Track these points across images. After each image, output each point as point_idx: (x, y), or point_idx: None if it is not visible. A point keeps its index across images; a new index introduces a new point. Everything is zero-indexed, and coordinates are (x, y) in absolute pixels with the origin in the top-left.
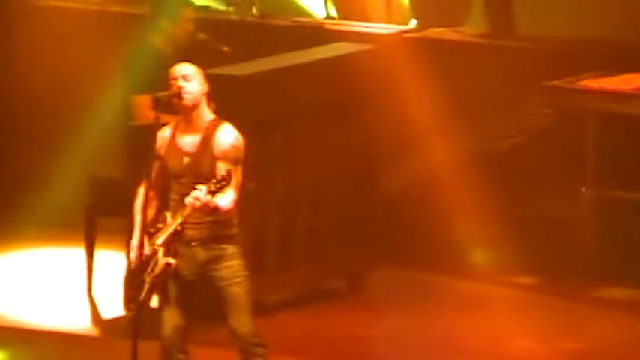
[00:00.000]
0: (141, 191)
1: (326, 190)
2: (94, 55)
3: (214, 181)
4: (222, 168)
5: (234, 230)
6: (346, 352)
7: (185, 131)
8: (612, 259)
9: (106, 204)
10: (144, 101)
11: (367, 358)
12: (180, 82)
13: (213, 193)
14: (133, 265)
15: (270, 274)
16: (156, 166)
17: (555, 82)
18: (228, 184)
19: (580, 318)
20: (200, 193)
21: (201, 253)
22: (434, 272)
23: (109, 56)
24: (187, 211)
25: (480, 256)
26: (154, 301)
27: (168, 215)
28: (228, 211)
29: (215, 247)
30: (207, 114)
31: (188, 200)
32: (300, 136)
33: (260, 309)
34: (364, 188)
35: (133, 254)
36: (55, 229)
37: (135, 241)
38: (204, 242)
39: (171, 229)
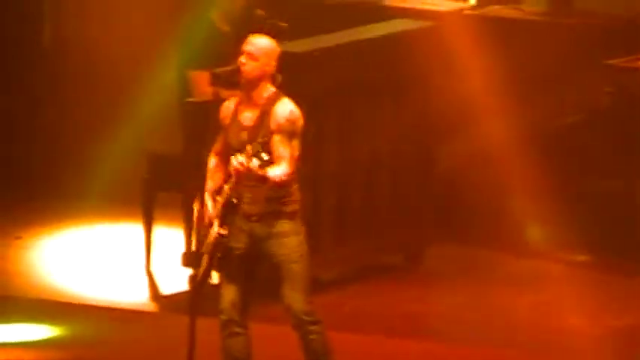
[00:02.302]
0: (210, 163)
1: (381, 167)
2: (151, 30)
3: (253, 144)
4: (276, 141)
5: (294, 206)
6: (401, 329)
7: (246, 106)
8: None
9: (164, 179)
10: (202, 77)
11: (422, 334)
12: (244, 58)
13: (253, 157)
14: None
15: (326, 250)
16: (221, 137)
17: (614, 61)
18: (267, 149)
19: (634, 295)
20: (241, 158)
21: (258, 229)
22: (489, 249)
23: (166, 31)
24: (233, 180)
25: (535, 233)
26: (215, 277)
27: (225, 187)
28: (284, 185)
29: (272, 222)
30: (267, 89)
31: (232, 166)
32: (356, 113)
33: (316, 285)
34: (420, 165)
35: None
36: (113, 205)
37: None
38: (262, 218)
39: (222, 200)
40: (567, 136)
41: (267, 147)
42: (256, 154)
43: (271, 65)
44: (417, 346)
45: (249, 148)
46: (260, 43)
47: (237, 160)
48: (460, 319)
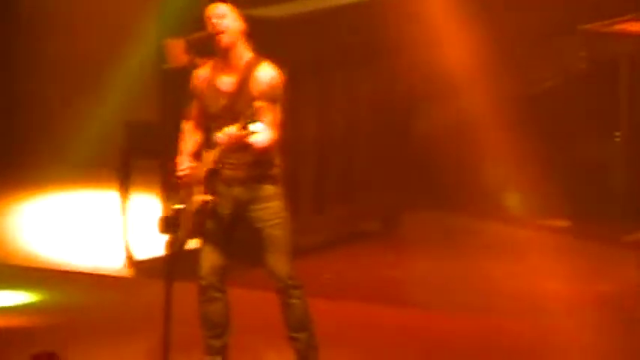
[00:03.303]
0: (184, 129)
1: (360, 133)
2: None
3: (245, 115)
4: (259, 107)
5: (276, 170)
6: (379, 295)
7: (223, 71)
8: None
9: (140, 146)
10: (177, 44)
11: (400, 300)
12: (215, 21)
13: (245, 128)
14: (180, 179)
15: (305, 216)
16: (194, 105)
17: (591, 26)
18: (254, 119)
19: (611, 261)
20: (231, 129)
21: (241, 194)
22: (467, 215)
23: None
24: (220, 147)
25: (512, 199)
26: (192, 242)
27: (205, 153)
28: (266, 150)
29: (255, 187)
30: (245, 53)
31: (218, 136)
32: (335, 78)
33: (294, 251)
34: (398, 131)
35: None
36: (90, 172)
37: (179, 160)
38: (244, 182)
39: (206, 167)
40: (544, 102)
41: (256, 116)
42: (246, 126)
43: (242, 24)
44: (394, 312)
45: (240, 122)
46: (222, 6)
47: (227, 132)
48: (437, 285)
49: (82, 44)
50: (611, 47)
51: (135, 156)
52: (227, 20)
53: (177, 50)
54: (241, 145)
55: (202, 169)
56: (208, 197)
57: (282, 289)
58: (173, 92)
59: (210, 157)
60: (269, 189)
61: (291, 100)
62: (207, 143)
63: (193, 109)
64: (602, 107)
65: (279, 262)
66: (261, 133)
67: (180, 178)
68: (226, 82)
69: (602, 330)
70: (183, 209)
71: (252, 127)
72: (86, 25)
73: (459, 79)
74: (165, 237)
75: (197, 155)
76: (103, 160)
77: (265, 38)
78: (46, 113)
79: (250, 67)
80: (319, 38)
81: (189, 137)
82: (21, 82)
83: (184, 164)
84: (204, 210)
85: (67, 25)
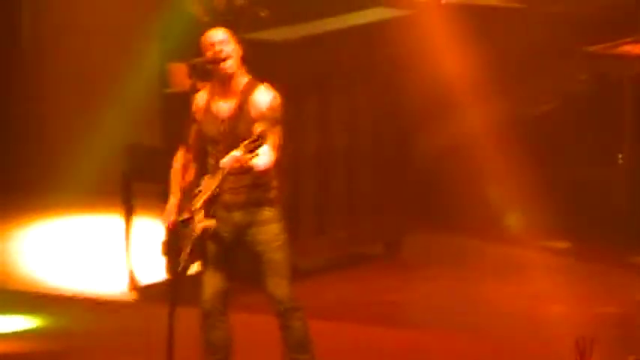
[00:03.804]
0: (178, 156)
1: (361, 155)
2: (131, 21)
3: (249, 140)
4: (258, 128)
5: (274, 193)
6: (380, 317)
7: (221, 96)
8: None
9: (143, 170)
10: (180, 68)
11: (401, 322)
12: (218, 47)
13: (250, 152)
14: (169, 227)
15: (306, 238)
16: (192, 130)
17: (595, 48)
18: (262, 143)
19: (614, 283)
20: (236, 154)
21: (239, 217)
22: (469, 236)
23: (147, 23)
24: (224, 173)
25: (514, 220)
26: (194, 267)
27: (206, 179)
28: (266, 173)
29: (254, 210)
30: (242, 77)
31: (223, 162)
32: (335, 101)
33: (295, 274)
34: (399, 153)
35: (169, 216)
36: (92, 196)
37: (171, 204)
38: (242, 206)
39: (208, 193)
40: (546, 123)
41: (261, 141)
42: (252, 150)
43: (240, 49)
44: (395, 334)
45: (245, 143)
46: (222, 32)
47: (231, 157)
48: (439, 308)
49: (84, 68)
50: (613, 69)
51: (137, 180)
52: (229, 46)
53: (180, 74)
54: (244, 169)
55: (204, 194)
56: (209, 222)
57: (282, 311)
58: (175, 116)
59: (212, 182)
60: (268, 212)
61: (292, 122)
62: (207, 168)
63: (191, 135)
64: (605, 129)
65: (279, 285)
66: (263, 156)
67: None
68: (225, 106)
69: (605, 352)
70: (185, 234)
71: (259, 150)
72: (88, 48)
73: (460, 100)
74: (167, 261)
75: (194, 184)
76: (105, 185)
77: (266, 61)
78: (48, 137)
79: (248, 91)
80: (321, 60)
81: (188, 165)
82: (23, 106)
83: (171, 215)
84: (206, 235)
85: (69, 48)
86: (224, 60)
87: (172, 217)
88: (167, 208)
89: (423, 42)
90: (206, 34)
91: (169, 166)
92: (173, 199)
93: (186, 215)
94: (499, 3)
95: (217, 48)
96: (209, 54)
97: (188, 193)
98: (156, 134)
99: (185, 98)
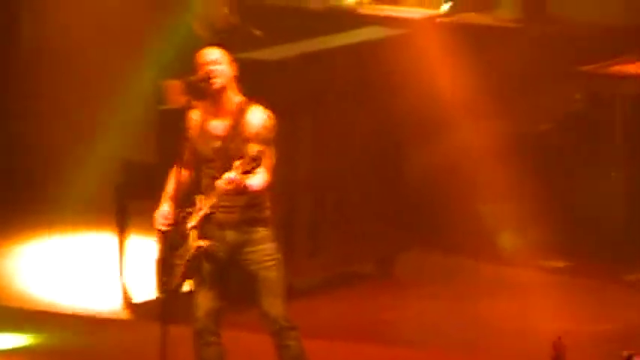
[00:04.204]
0: (172, 174)
1: (355, 174)
2: (128, 35)
3: (246, 160)
4: (254, 149)
5: (267, 213)
6: (374, 335)
7: (214, 115)
8: None
9: (137, 187)
10: (175, 85)
11: (395, 341)
12: (210, 67)
13: (245, 173)
14: (160, 233)
15: (300, 258)
16: (186, 148)
17: (588, 67)
18: (259, 164)
19: (610, 301)
20: (232, 174)
21: (233, 236)
22: (463, 255)
23: (144, 37)
24: (218, 193)
25: (509, 239)
26: (187, 286)
27: (200, 198)
28: (260, 193)
29: (248, 230)
30: (235, 97)
31: (219, 183)
32: (329, 120)
33: (289, 293)
34: (393, 172)
35: (162, 220)
36: (86, 213)
37: (163, 209)
38: (236, 225)
39: (202, 213)
40: (540, 142)
41: (257, 162)
42: (248, 171)
43: (233, 69)
44: (389, 352)
45: (237, 163)
46: (215, 50)
47: (227, 178)
48: (432, 326)
49: (81, 83)
50: (606, 88)
51: (132, 197)
52: (220, 65)
53: (175, 91)
54: (239, 190)
55: (197, 213)
56: (203, 242)
57: (276, 331)
58: (170, 133)
59: (207, 202)
60: (261, 231)
61: (286, 141)
62: (201, 187)
63: (185, 153)
64: (599, 147)
65: (273, 305)
66: (257, 177)
67: (160, 230)
68: (218, 125)
69: None
70: (178, 253)
71: (257, 171)
72: (85, 65)
73: (454, 119)
74: (161, 280)
75: (187, 203)
76: (100, 202)
77: (260, 80)
78: (42, 153)
79: (241, 111)
80: (316, 79)
81: (181, 184)
82: (18, 124)
83: (166, 216)
84: (199, 254)
85: (65, 65)
86: (213, 78)
87: (166, 221)
88: (159, 213)
89: (418, 61)
90: (199, 52)
91: (164, 182)
92: (165, 206)
93: (178, 234)
94: (493, 22)
95: (209, 67)
96: (201, 72)
97: (181, 213)
98: (150, 150)
99: (180, 115)
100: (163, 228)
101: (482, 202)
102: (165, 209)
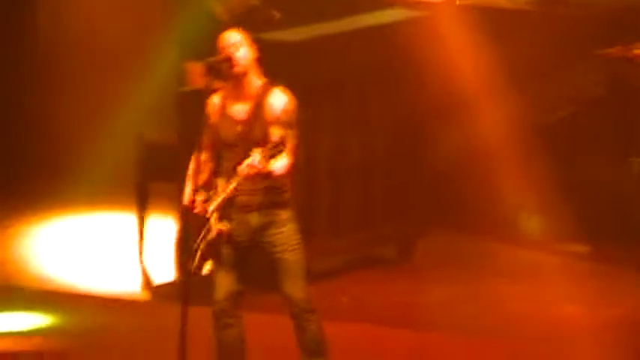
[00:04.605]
0: (194, 158)
1: (376, 157)
2: (148, 19)
3: (269, 146)
4: (275, 133)
5: (288, 195)
6: (394, 319)
7: (236, 99)
8: None
9: (158, 169)
10: (196, 67)
11: (415, 324)
12: (231, 49)
13: (269, 159)
14: (181, 216)
15: (320, 241)
16: (207, 132)
17: (607, 51)
18: (283, 149)
19: (629, 285)
20: (254, 160)
21: (255, 219)
22: (483, 239)
23: (163, 20)
24: (240, 178)
25: (529, 223)
26: (207, 268)
27: (221, 182)
28: (281, 177)
29: (269, 212)
30: (256, 80)
31: (241, 168)
32: (350, 102)
33: (309, 276)
34: (414, 155)
35: (187, 203)
36: (107, 195)
37: (187, 197)
38: (258, 208)
39: (223, 196)
40: (561, 126)
41: (281, 147)
42: (272, 156)
43: (254, 52)
44: (409, 336)
45: (261, 150)
46: (235, 33)
47: (247, 164)
48: (453, 310)
49: (101, 66)
50: (629, 72)
51: (152, 178)
52: (240, 49)
53: (196, 73)
54: (262, 175)
55: (219, 197)
56: (224, 225)
57: (297, 313)
58: (191, 114)
59: (228, 186)
60: (283, 214)
61: (307, 124)
62: (222, 171)
63: (205, 137)
64: (620, 132)
65: (294, 287)
66: (280, 161)
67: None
68: (240, 109)
69: (621, 355)
70: (199, 236)
71: (279, 157)
72: (105, 47)
73: (474, 103)
74: (181, 262)
75: (208, 185)
76: (120, 183)
77: (281, 62)
78: (64, 135)
79: (263, 94)
80: (335, 62)
81: (204, 168)
82: (38, 105)
83: (193, 201)
84: (220, 237)
85: (85, 47)
86: (233, 63)
87: (192, 207)
88: (186, 199)
89: (439, 43)
90: (222, 35)
91: (184, 164)
92: (191, 191)
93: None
94: (513, 5)
95: (230, 50)
96: (223, 55)
97: (202, 196)
98: (171, 132)
99: (201, 97)
100: (191, 212)
101: (504, 187)
102: (191, 195)
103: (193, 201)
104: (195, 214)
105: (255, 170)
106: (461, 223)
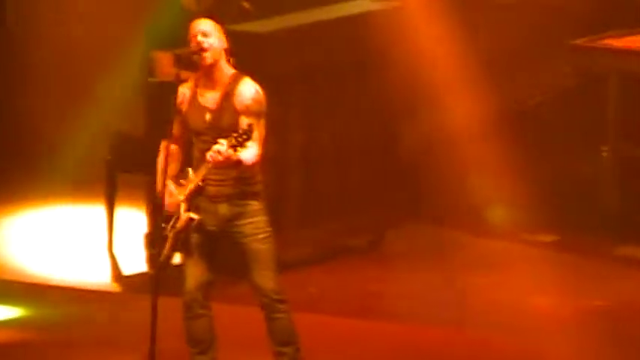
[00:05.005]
0: (163, 147)
1: (346, 147)
2: (118, 9)
3: (236, 134)
4: (244, 122)
5: (259, 186)
6: (364, 309)
7: (205, 87)
8: (632, 216)
9: (127, 160)
10: (165, 58)
11: (385, 314)
12: (200, 38)
13: (235, 147)
14: (150, 206)
15: (290, 231)
16: (177, 121)
17: (578, 41)
18: (249, 137)
19: (600, 276)
20: (222, 147)
21: (225, 209)
22: (453, 230)
23: (132, 11)
24: (209, 165)
25: (499, 213)
26: (177, 258)
27: (191, 171)
28: (251, 166)
29: (239, 203)
30: (227, 69)
31: (209, 155)
32: (321, 93)
33: (279, 265)
34: (385, 146)
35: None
36: (75, 185)
37: (157, 188)
38: (228, 198)
39: (192, 185)
40: (531, 116)
41: (247, 136)
42: (239, 144)
43: (225, 42)
44: (379, 326)
45: (229, 138)
46: (207, 22)
47: (216, 150)
48: (423, 300)
49: (69, 56)
50: (598, 62)
51: (121, 170)
52: (211, 38)
53: (164, 63)
54: (230, 163)
55: (188, 186)
56: (193, 215)
57: (267, 303)
58: (159, 105)
59: (197, 175)
60: (253, 204)
61: (277, 115)
62: (192, 160)
63: (175, 127)
64: (590, 122)
65: (264, 277)
66: (248, 150)
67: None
68: (209, 98)
69: (591, 345)
70: (168, 225)
71: (248, 144)
72: (74, 36)
73: (446, 94)
74: (150, 252)
75: (178, 176)
76: (89, 174)
77: (252, 53)
78: (32, 126)
79: (232, 84)
80: (306, 52)
81: (174, 157)
82: (7, 95)
83: (169, 193)
84: (189, 227)
85: (54, 36)
86: (205, 51)
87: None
88: (167, 193)
89: (411, 34)
90: (192, 24)
91: (153, 155)
92: (170, 186)
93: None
94: None
95: (200, 39)
96: (193, 44)
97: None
98: (140, 123)
99: (170, 88)
100: (161, 202)
101: (474, 177)
102: (160, 185)
103: (163, 192)
104: (165, 204)
105: (222, 157)
106: (429, 213)
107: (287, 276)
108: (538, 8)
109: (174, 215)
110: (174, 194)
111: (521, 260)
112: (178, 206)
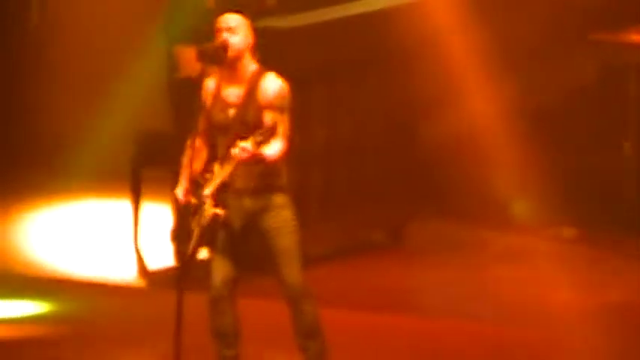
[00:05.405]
0: (189, 143)
1: (368, 142)
2: (139, 5)
3: (260, 131)
4: (268, 117)
5: (283, 180)
6: (387, 303)
7: (229, 82)
8: None
9: (152, 155)
10: (189, 53)
11: (408, 309)
12: (226, 34)
13: (259, 144)
14: (179, 212)
15: (312, 226)
16: (202, 117)
17: (600, 36)
18: (274, 133)
19: (620, 271)
20: (247, 143)
21: (250, 204)
22: (475, 224)
23: (155, 7)
24: (234, 162)
25: (521, 208)
26: (203, 253)
27: (216, 166)
28: (276, 161)
29: (265, 197)
30: (251, 65)
31: (235, 151)
32: (343, 88)
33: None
34: (406, 141)
35: (180, 199)
36: (101, 181)
37: (180, 189)
38: (253, 193)
39: (218, 180)
40: (553, 110)
41: (271, 132)
42: (262, 142)
43: (251, 37)
44: (403, 321)
45: (254, 135)
46: (235, 17)
47: (242, 147)
48: (444, 295)
49: (93, 52)
50: (620, 57)
51: (146, 165)
52: (236, 33)
53: (188, 59)
54: (255, 160)
55: (214, 181)
56: (219, 210)
57: (293, 297)
58: (184, 101)
59: (223, 170)
60: (278, 198)
61: (299, 110)
62: (216, 156)
63: (201, 122)
64: (611, 117)
65: (290, 271)
66: (273, 146)
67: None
68: (233, 93)
69: (613, 340)
70: (195, 220)
71: (272, 140)
72: (96, 33)
73: (466, 88)
74: (177, 248)
75: (204, 171)
76: (114, 170)
77: (274, 48)
78: (57, 123)
79: (256, 78)
80: (328, 48)
81: (200, 153)
82: (32, 91)
83: (187, 191)
84: (215, 223)
85: (76, 34)
86: (227, 46)
87: (183, 200)
88: (176, 193)
89: (432, 29)
90: (219, 18)
91: (178, 151)
92: (182, 185)
93: (195, 202)
94: None
95: (225, 33)
96: (217, 39)
97: (197, 181)
98: (165, 119)
99: (194, 83)
100: (184, 201)
101: (495, 172)
102: (185, 185)
103: (188, 187)
104: (190, 199)
105: (248, 154)
106: (451, 207)
107: (310, 271)
108: (557, 3)
109: (200, 211)
110: (188, 191)
111: (544, 255)
112: (204, 201)
